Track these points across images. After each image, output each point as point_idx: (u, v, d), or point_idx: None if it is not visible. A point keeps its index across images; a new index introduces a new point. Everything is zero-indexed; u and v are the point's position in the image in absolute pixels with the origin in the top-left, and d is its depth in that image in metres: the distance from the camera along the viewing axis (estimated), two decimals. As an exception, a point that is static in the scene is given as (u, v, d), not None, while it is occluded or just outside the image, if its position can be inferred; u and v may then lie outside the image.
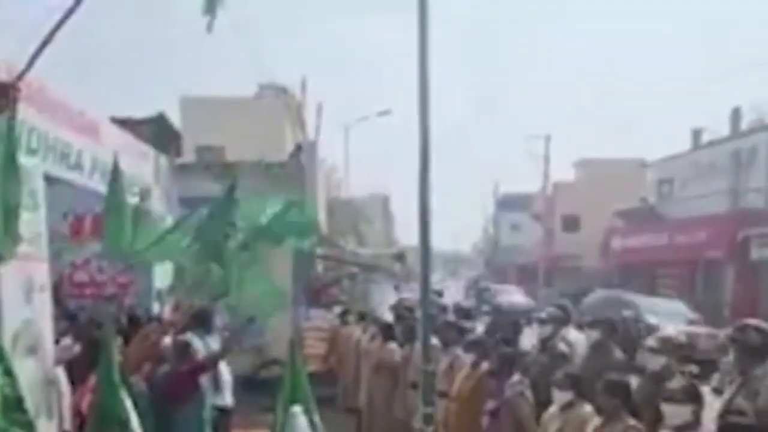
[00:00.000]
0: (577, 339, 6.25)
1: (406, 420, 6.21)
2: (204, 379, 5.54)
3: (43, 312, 4.11)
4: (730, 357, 4.36)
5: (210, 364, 5.27)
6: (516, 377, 4.86)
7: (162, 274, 7.05)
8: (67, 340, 4.84)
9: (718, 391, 4.23)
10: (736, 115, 24.75)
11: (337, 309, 11.32)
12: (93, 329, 5.69)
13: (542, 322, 6.19)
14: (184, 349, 5.10)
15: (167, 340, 5.01)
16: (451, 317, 7.60)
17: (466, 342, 5.68)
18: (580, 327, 6.71)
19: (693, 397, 3.61)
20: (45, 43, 3.12)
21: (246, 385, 7.31)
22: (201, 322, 6.07)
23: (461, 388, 5.36)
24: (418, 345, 5.68)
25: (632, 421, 3.90)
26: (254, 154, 11.61)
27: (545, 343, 5.82)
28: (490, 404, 4.87)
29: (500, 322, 7.04)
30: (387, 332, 7.24)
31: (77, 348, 4.73)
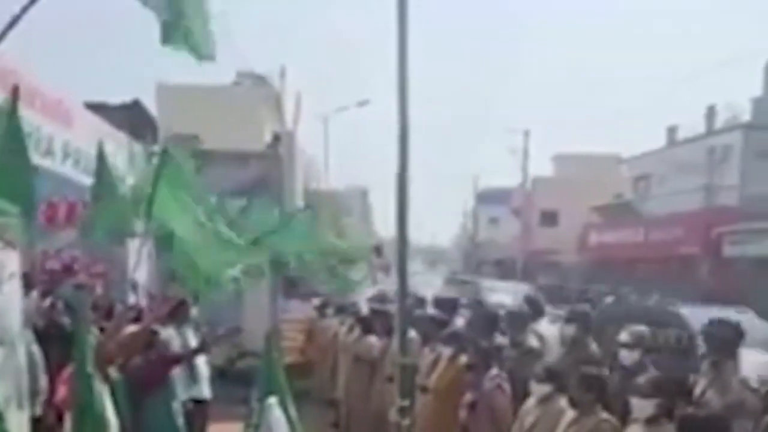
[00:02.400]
0: (548, 332, 6.29)
1: (383, 413, 6.20)
2: (179, 371, 5.48)
3: (12, 301, 4.01)
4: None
5: (184, 358, 5.20)
6: (494, 371, 4.88)
7: (135, 264, 6.94)
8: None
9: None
10: (711, 113, 25.11)
11: (315, 301, 11.25)
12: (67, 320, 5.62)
13: (512, 316, 6.22)
14: (149, 340, 5.04)
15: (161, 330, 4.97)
16: (430, 310, 7.59)
17: (445, 335, 5.67)
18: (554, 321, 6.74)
19: (659, 391, 3.65)
20: (10, 26, 3.01)
21: (222, 376, 7.26)
22: (178, 313, 6.01)
23: (439, 381, 5.37)
24: (395, 338, 5.66)
25: (605, 415, 3.94)
26: (232, 143, 11.47)
27: (515, 338, 5.84)
28: (469, 397, 4.88)
29: (480, 315, 7.03)
30: (365, 325, 7.21)
31: None
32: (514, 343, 5.69)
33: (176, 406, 5.00)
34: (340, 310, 8.97)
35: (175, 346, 5.60)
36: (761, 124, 21.90)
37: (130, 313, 5.48)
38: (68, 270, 7.09)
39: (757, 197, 20.22)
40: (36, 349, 5.10)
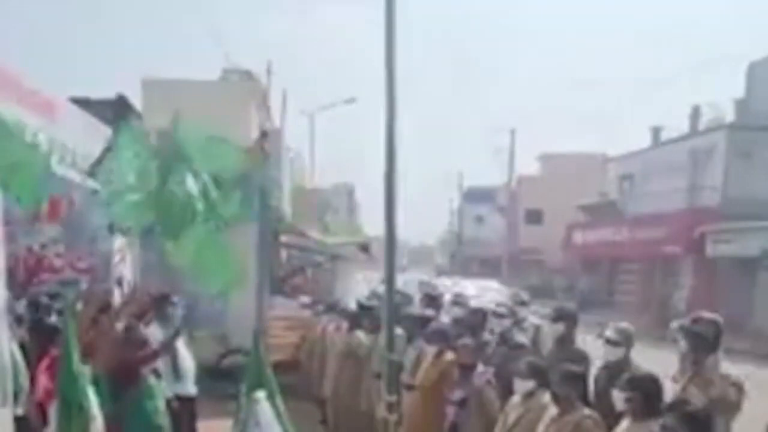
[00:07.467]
0: (535, 325, 6.35)
1: (371, 410, 6.21)
2: (163, 368, 5.44)
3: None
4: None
5: (159, 352, 5.12)
6: (480, 368, 4.91)
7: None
8: None
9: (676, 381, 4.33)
10: (695, 113, 25.34)
11: (304, 298, 11.25)
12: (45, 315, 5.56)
13: (500, 316, 6.25)
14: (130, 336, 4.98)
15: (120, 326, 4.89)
16: (417, 307, 7.62)
17: (429, 332, 5.69)
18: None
19: (634, 386, 3.71)
20: None
21: (209, 373, 7.22)
22: (160, 309, 5.96)
23: (425, 378, 5.40)
24: (382, 335, 5.67)
25: (588, 411, 3.98)
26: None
27: (504, 335, 5.87)
28: (458, 394, 4.90)
29: (467, 312, 7.05)
30: (353, 321, 7.22)
31: None
32: (503, 339, 5.72)
33: (153, 407, 4.93)
34: (330, 308, 8.97)
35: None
36: (744, 124, 22.16)
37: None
38: (53, 269, 7.03)
39: (740, 197, 20.48)
40: (15, 347, 5.04)
